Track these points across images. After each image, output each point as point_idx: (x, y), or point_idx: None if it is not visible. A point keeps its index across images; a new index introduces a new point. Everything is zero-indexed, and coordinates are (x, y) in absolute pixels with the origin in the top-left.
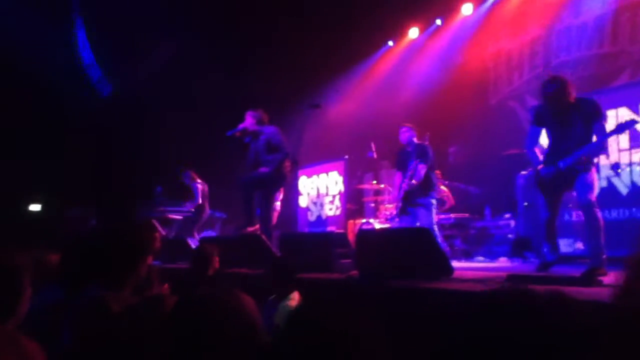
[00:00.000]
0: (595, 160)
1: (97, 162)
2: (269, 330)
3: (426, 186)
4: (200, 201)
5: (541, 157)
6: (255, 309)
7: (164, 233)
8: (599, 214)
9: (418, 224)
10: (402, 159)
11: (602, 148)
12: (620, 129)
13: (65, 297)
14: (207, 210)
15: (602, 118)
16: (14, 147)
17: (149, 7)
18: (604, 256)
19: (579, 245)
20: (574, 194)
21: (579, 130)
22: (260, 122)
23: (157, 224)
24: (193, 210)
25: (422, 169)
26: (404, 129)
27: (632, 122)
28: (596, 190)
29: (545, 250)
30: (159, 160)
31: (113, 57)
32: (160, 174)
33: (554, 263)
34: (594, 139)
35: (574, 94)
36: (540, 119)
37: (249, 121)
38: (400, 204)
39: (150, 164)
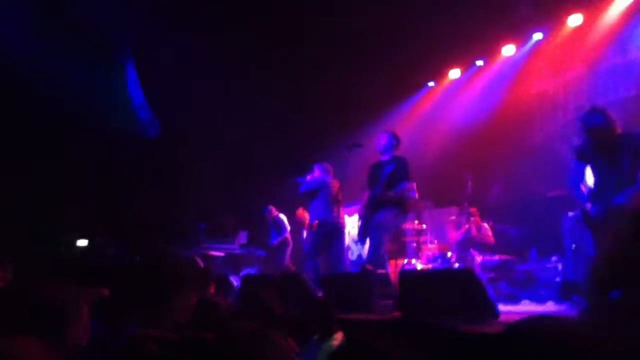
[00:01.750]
0: None
1: (140, 200)
2: None
3: (399, 206)
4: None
5: (587, 195)
6: (293, 348)
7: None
8: None
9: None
10: (375, 170)
11: None
12: None
13: (104, 333)
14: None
15: None
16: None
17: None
18: None
19: None
20: None
21: (627, 165)
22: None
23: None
24: (276, 244)
25: (405, 184)
26: (382, 136)
27: None
28: None
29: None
30: (200, 197)
31: (161, 98)
32: (201, 211)
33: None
34: None
35: (618, 127)
36: (583, 155)
37: (317, 173)
38: (362, 221)
39: (191, 201)
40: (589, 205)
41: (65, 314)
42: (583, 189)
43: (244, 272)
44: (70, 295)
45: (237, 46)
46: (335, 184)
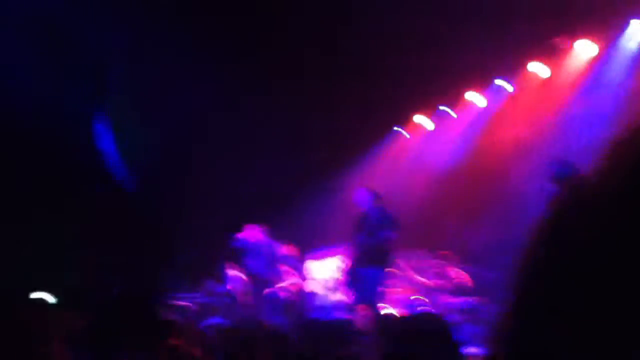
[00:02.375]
0: None
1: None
2: None
3: (382, 256)
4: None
5: None
6: None
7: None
8: None
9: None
10: (359, 222)
11: None
12: None
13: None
14: None
15: None
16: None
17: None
18: None
19: None
20: None
21: None
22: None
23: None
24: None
25: (390, 234)
26: (359, 191)
27: None
28: None
29: None
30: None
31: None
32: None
33: None
34: None
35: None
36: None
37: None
38: (351, 268)
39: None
40: None
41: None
42: None
43: (209, 322)
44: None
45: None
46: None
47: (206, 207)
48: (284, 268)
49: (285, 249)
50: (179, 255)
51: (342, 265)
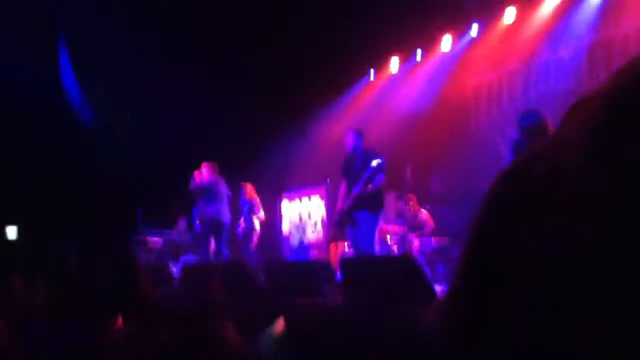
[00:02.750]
0: None
1: (76, 186)
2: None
3: (375, 200)
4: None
5: None
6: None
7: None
8: None
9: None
10: (348, 166)
11: None
12: None
13: (52, 334)
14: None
15: None
16: None
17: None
18: None
19: None
20: None
21: None
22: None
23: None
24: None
25: (380, 178)
26: (348, 134)
27: None
28: None
29: None
30: (140, 183)
31: (96, 83)
32: (142, 197)
33: None
34: None
35: (550, 127)
36: (519, 150)
37: (205, 172)
38: (344, 213)
39: (132, 188)
40: None
41: None
42: None
43: (183, 260)
44: None
45: (182, 34)
46: (222, 183)
47: (176, 146)
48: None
49: (245, 188)
50: (146, 198)
51: (318, 206)
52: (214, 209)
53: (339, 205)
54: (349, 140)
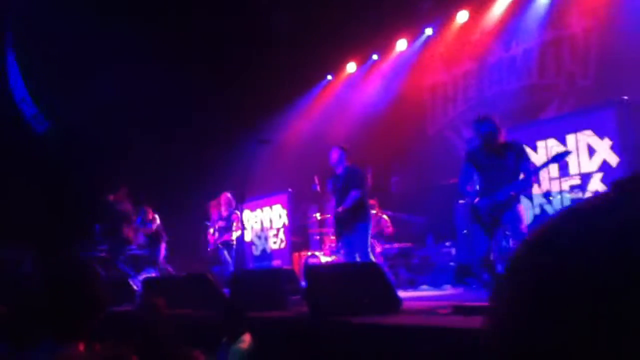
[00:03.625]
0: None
1: (31, 199)
2: None
3: (361, 211)
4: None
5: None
6: None
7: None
8: None
9: (356, 254)
10: (333, 184)
11: (531, 184)
12: (555, 159)
13: (14, 354)
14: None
15: (529, 159)
16: None
17: (90, 41)
18: None
19: None
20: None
21: (511, 167)
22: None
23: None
24: (146, 247)
25: (355, 194)
26: (333, 150)
27: (566, 153)
28: (525, 220)
29: (485, 277)
30: (96, 197)
31: (50, 93)
32: (97, 211)
33: None
34: (521, 176)
35: (503, 134)
36: (473, 158)
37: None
38: (335, 232)
39: (87, 202)
40: (477, 200)
41: None
42: (469, 188)
43: (144, 274)
44: None
45: (138, 38)
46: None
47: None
48: None
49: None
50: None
51: (280, 214)
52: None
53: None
54: (334, 157)
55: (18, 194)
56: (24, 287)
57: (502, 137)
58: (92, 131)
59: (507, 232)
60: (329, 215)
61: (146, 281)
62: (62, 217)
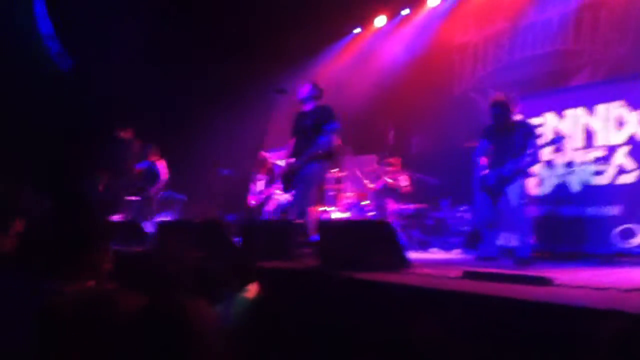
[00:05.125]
0: (530, 169)
1: (53, 139)
2: (226, 321)
3: (326, 155)
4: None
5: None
6: (210, 313)
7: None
8: (527, 213)
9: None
10: (299, 123)
11: (533, 161)
12: (548, 145)
13: (21, 287)
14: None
15: (536, 136)
16: None
17: None
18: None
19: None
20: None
21: (518, 145)
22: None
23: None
24: (152, 190)
25: (329, 136)
26: (304, 85)
27: (559, 139)
28: (525, 194)
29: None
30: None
31: (75, 31)
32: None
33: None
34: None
35: (514, 115)
36: (487, 134)
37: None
38: (288, 171)
39: (109, 142)
40: (486, 172)
41: None
42: (484, 160)
43: (159, 218)
44: None
45: None
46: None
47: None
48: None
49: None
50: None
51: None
52: None
53: (286, 161)
54: (303, 92)
55: (37, 133)
56: (41, 224)
57: (513, 116)
58: (113, 76)
59: (508, 202)
60: (344, 173)
61: (160, 224)
62: (77, 156)
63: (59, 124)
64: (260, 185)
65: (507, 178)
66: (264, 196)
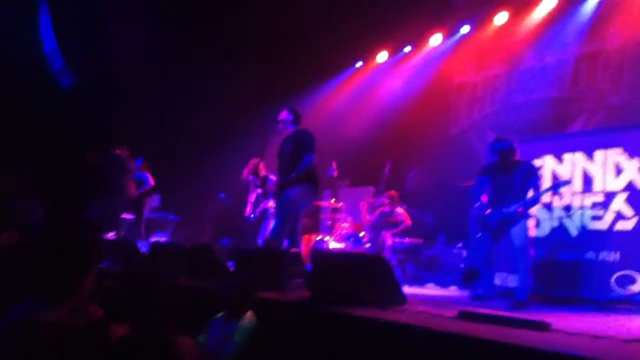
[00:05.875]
0: (531, 210)
1: (50, 153)
2: (222, 347)
3: (307, 178)
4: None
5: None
6: (195, 351)
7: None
8: (530, 255)
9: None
10: (281, 148)
11: (537, 201)
12: (554, 187)
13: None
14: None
15: (538, 178)
16: None
17: None
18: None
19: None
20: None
21: (518, 184)
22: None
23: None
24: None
25: (308, 159)
26: (282, 111)
27: (565, 182)
28: (529, 235)
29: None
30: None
31: (76, 47)
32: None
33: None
34: (530, 193)
35: (516, 154)
36: (487, 171)
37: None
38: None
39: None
40: (488, 211)
41: None
42: (485, 198)
43: (153, 238)
44: None
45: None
46: None
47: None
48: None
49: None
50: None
51: None
52: None
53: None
54: (280, 117)
55: (35, 147)
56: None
57: (516, 156)
58: (115, 90)
59: (512, 243)
60: (340, 204)
61: (153, 245)
62: (76, 173)
63: (55, 140)
64: (255, 195)
65: (511, 219)
66: (259, 210)
